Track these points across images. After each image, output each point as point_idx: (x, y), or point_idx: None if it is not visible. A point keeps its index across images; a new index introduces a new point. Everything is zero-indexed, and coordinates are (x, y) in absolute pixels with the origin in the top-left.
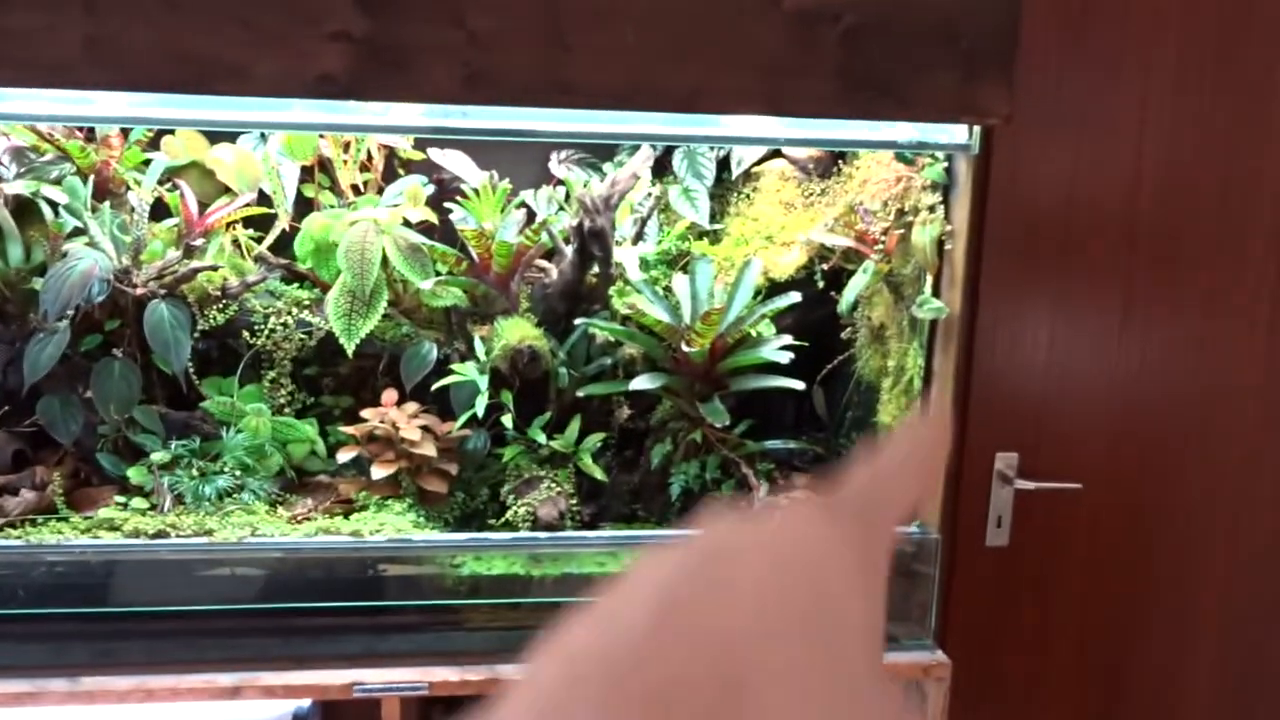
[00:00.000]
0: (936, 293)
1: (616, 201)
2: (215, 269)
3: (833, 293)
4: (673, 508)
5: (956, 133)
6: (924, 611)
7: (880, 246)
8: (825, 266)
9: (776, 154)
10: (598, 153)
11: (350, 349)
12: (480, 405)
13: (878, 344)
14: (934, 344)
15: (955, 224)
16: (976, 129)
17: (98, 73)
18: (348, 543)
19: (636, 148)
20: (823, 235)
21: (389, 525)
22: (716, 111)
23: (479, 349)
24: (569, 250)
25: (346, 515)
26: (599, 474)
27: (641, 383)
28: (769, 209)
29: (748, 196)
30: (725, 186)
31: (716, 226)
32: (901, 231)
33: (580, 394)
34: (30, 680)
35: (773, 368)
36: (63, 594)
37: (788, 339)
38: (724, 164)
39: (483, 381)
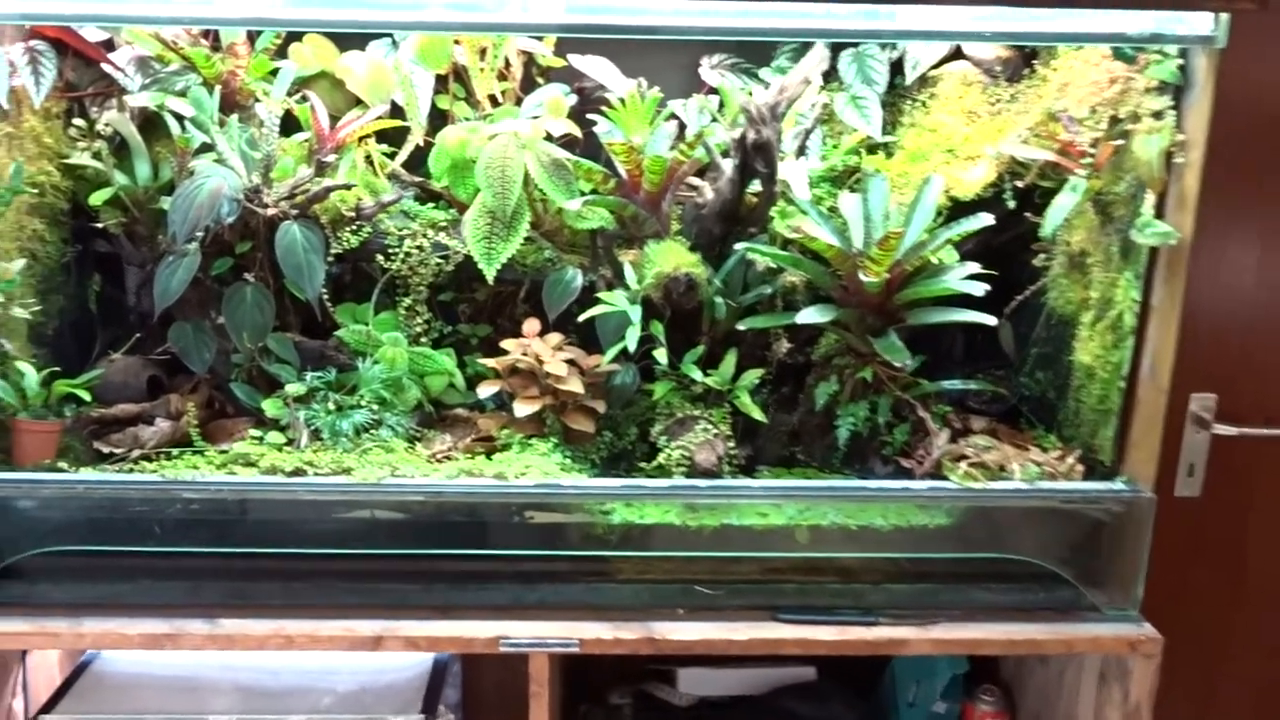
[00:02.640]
0: (1160, 214)
1: (784, 110)
2: (349, 188)
3: (1027, 214)
4: (837, 453)
5: (1197, 22)
6: (1129, 579)
7: (1089, 160)
8: (1019, 184)
9: (957, 54)
10: (752, 56)
11: (490, 275)
12: (632, 339)
13: (1076, 272)
14: (1153, 273)
15: (1188, 133)
16: (1223, 17)
17: None
18: (492, 487)
19: (796, 50)
20: (1016, 147)
21: (534, 468)
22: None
23: (629, 276)
24: (727, 166)
25: (488, 455)
26: (758, 414)
27: (810, 315)
28: (949, 118)
29: (924, 104)
30: (897, 93)
31: (889, 139)
32: (1117, 142)
33: (741, 327)
34: (168, 620)
35: (957, 299)
36: (199, 531)
37: (974, 267)
38: (896, 67)
39: (634, 312)
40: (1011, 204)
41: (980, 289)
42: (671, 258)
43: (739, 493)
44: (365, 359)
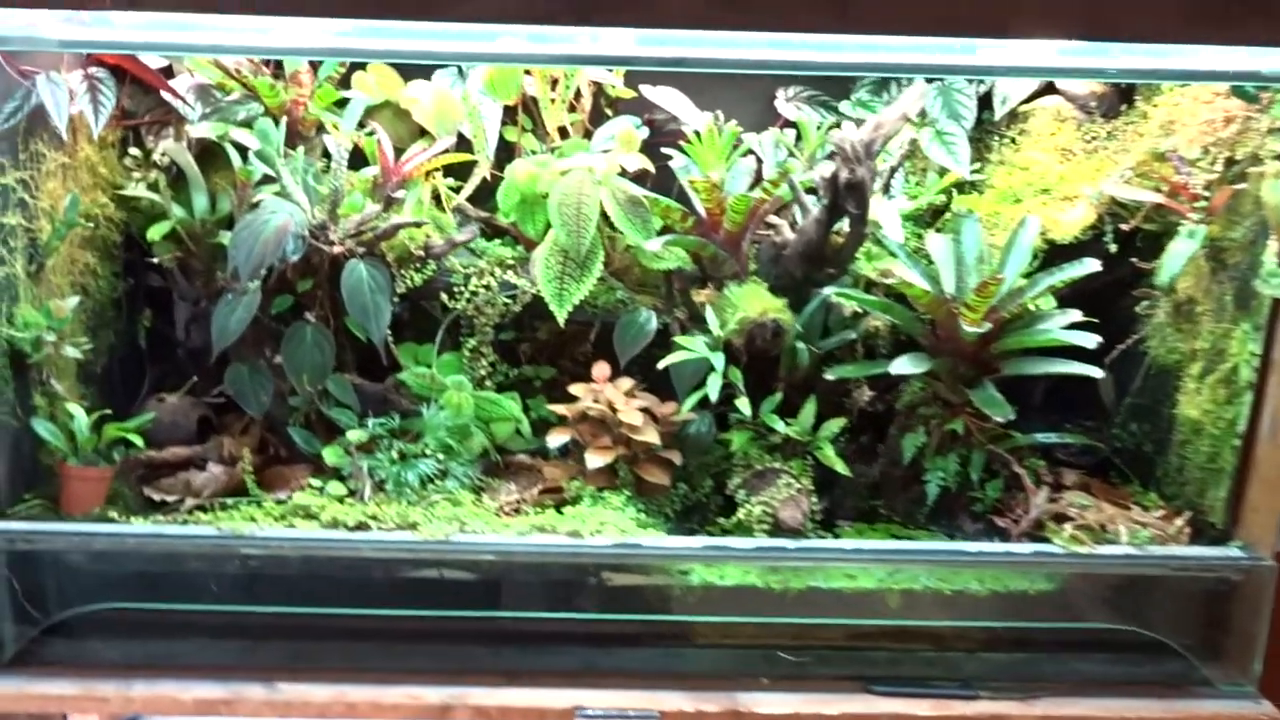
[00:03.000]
0: None
1: (879, 148)
2: (420, 225)
3: (1133, 259)
4: (923, 508)
5: None
6: (1247, 653)
7: (1202, 204)
8: (1124, 227)
9: (1049, 89)
10: (830, 89)
11: (562, 316)
12: (714, 387)
13: (1182, 321)
14: (1275, 326)
15: None
16: None
17: None
18: (568, 546)
19: (875, 83)
20: (1119, 188)
21: (610, 524)
22: (1029, 35)
23: (711, 321)
24: (814, 205)
25: (558, 508)
26: (841, 468)
27: (904, 365)
28: (1042, 155)
29: (1013, 140)
30: (985, 129)
31: (976, 176)
32: (1237, 186)
33: (830, 376)
34: (224, 684)
35: (1055, 349)
36: (257, 588)
37: (1075, 314)
38: (984, 102)
39: (717, 359)
40: (1113, 247)
41: (1091, 340)
42: (756, 302)
43: (831, 555)
44: (429, 404)
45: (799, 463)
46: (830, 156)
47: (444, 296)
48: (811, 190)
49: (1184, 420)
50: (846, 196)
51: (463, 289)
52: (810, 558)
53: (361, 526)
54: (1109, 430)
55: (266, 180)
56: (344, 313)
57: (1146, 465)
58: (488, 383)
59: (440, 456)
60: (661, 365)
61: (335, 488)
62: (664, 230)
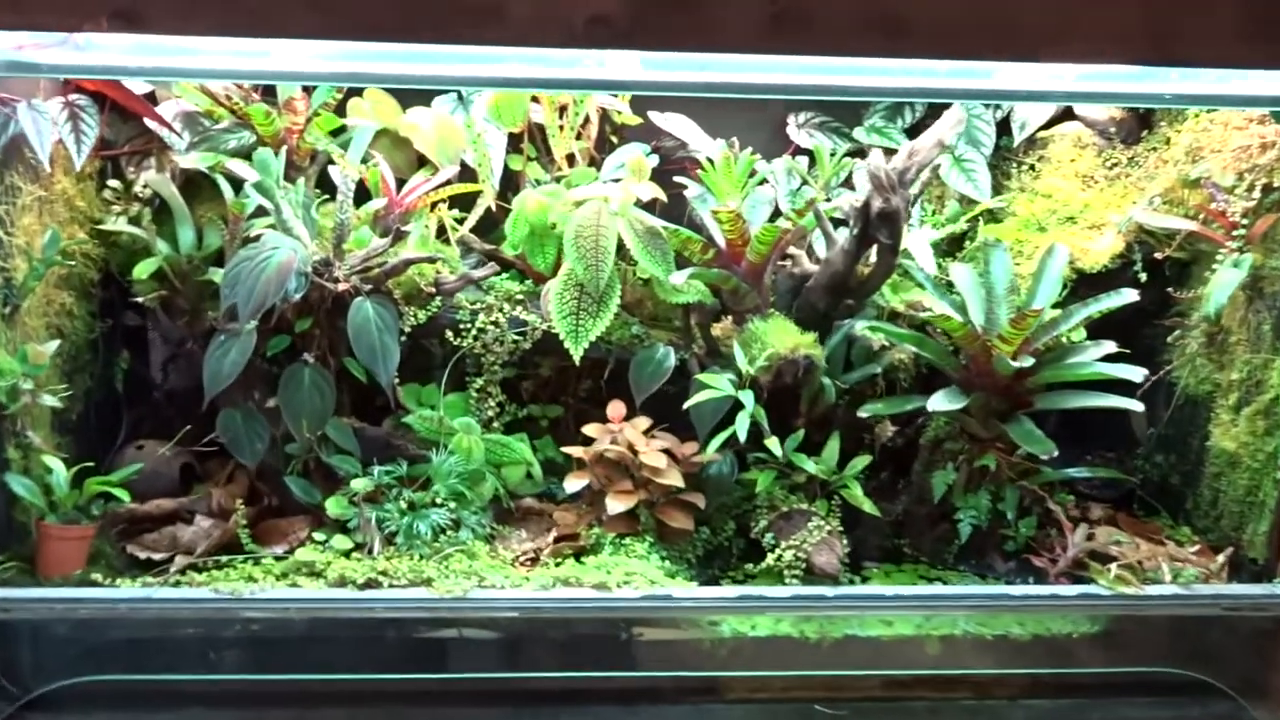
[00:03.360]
0: None
1: (913, 176)
2: (433, 260)
3: (1168, 289)
4: (951, 546)
5: None
6: None
7: (1240, 232)
8: (1156, 255)
9: (1067, 114)
10: (841, 115)
11: (577, 354)
12: (743, 426)
13: (1216, 352)
14: None
15: None
16: None
17: (310, 19)
18: (595, 600)
19: (889, 109)
20: (1150, 216)
21: (637, 574)
22: (1082, 60)
23: (739, 357)
24: (841, 235)
25: (578, 557)
26: (869, 507)
27: (940, 402)
28: (1063, 182)
29: (1032, 167)
30: (1003, 155)
31: (996, 202)
32: (1276, 214)
33: (863, 414)
34: None
35: (1092, 383)
36: (259, 654)
37: (1110, 345)
38: (1001, 127)
39: (747, 399)
40: (1143, 276)
41: (1138, 373)
42: (786, 337)
43: (873, 601)
44: (436, 448)
45: (824, 503)
46: (845, 184)
47: (449, 334)
48: (834, 220)
49: (1218, 452)
50: (879, 226)
51: (469, 326)
52: (851, 605)
53: (371, 584)
54: (1132, 462)
55: (259, 213)
56: (344, 353)
57: (1175, 498)
58: (495, 424)
59: (452, 505)
60: (688, 405)
61: (340, 541)
62: (681, 262)
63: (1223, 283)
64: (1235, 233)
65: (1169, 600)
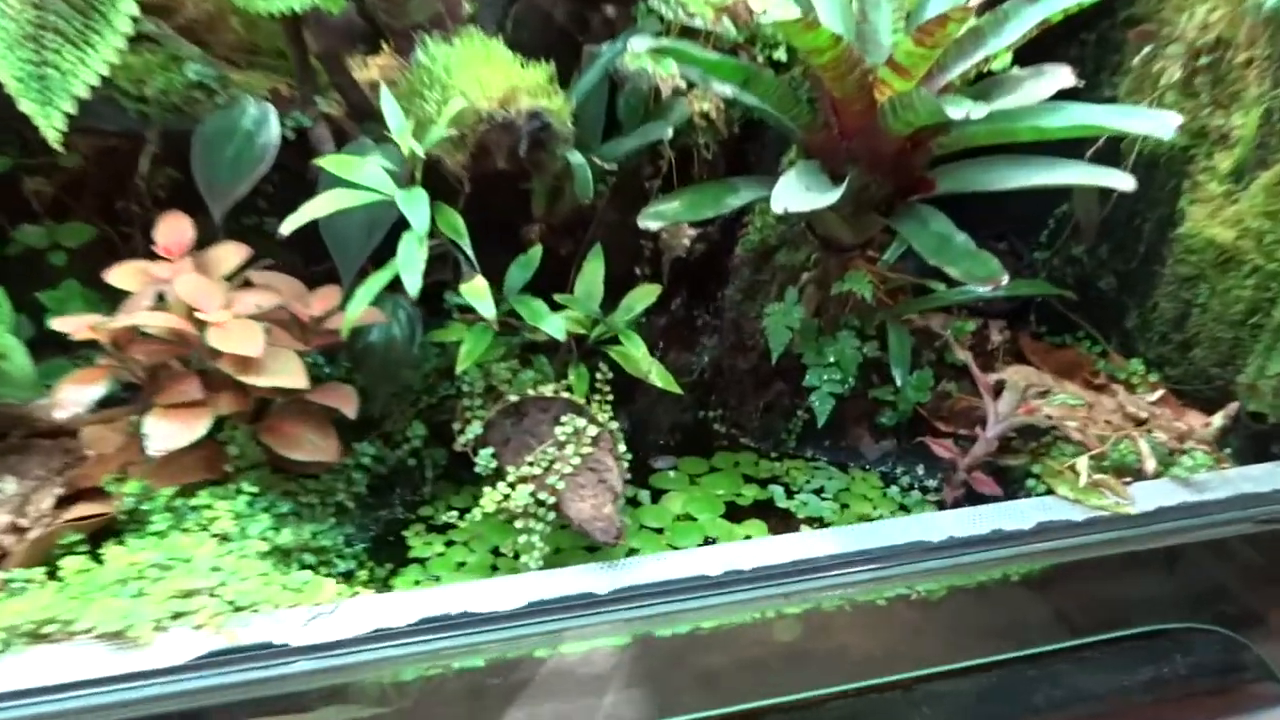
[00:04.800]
0: None
1: None
2: None
3: None
4: (794, 423)
5: None
6: None
7: None
8: None
9: None
10: None
11: (54, 134)
12: (411, 258)
13: (1211, 83)
14: None
15: None
16: None
17: None
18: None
19: None
20: None
21: (203, 593)
22: None
23: (395, 118)
24: None
25: (94, 544)
26: (663, 381)
27: (795, 195)
28: None
29: None
30: None
31: None
32: None
33: (648, 221)
34: None
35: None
36: None
37: (1063, 75)
38: None
39: (415, 201)
40: None
41: (1158, 124)
42: (494, 76)
43: (707, 593)
44: None
45: (580, 376)
46: None
47: None
48: None
49: (1199, 243)
50: None
51: None
52: (642, 602)
53: None
54: (1038, 255)
55: None
56: None
57: (1107, 310)
58: None
59: None
60: (288, 226)
61: None
62: None
63: None
64: None
65: (1186, 517)
